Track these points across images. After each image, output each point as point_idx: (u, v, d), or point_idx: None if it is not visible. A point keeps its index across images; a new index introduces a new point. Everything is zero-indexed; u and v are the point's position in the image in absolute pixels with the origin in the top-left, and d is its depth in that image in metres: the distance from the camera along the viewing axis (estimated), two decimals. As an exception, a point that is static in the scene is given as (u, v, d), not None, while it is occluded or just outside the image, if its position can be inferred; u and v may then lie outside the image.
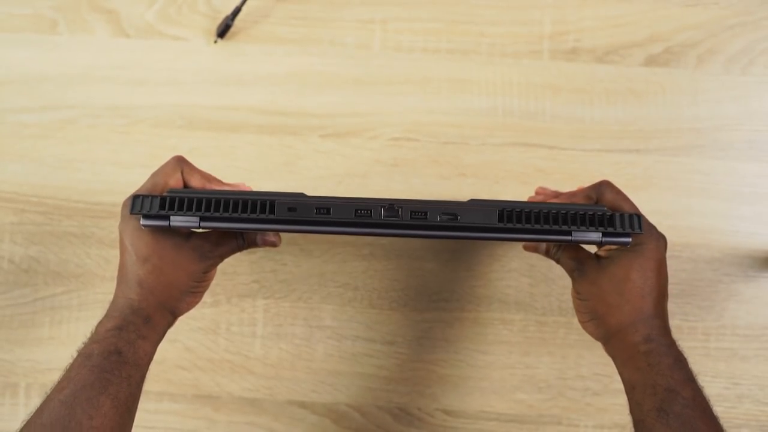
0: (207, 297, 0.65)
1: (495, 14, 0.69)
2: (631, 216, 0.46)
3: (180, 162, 0.51)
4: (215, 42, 0.68)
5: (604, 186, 0.51)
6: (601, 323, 0.50)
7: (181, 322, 0.66)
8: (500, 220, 0.45)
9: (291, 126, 0.67)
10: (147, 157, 0.67)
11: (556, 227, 0.45)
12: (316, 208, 0.45)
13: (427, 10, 0.69)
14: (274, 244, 0.53)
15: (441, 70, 0.68)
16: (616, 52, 0.69)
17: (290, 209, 0.45)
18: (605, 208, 0.46)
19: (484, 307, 0.66)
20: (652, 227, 0.50)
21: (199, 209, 0.45)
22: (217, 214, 0.45)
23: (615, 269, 0.49)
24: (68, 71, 0.68)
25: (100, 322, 0.48)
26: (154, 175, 0.49)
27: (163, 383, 0.65)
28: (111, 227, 0.66)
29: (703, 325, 0.65)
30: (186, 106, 0.67)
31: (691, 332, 0.65)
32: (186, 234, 0.50)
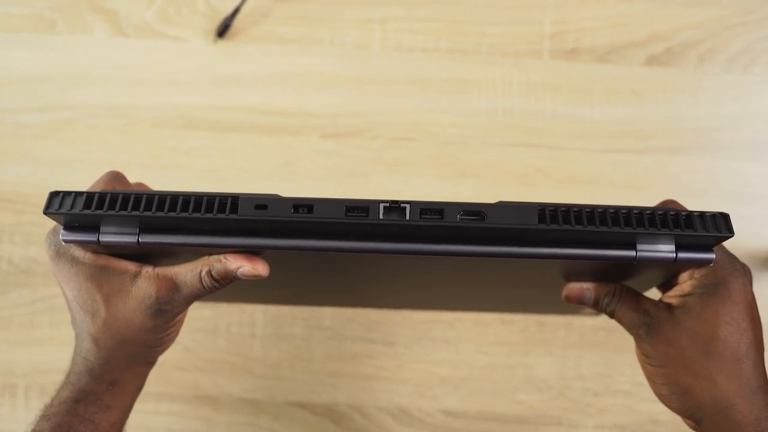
0: (207, 297, 0.65)
1: (495, 14, 0.69)
2: (714, 216, 0.34)
3: (113, 178, 0.42)
4: (214, 42, 0.68)
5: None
6: (689, 398, 0.39)
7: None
8: (542, 220, 0.33)
9: (291, 126, 0.67)
10: (146, 157, 0.67)
11: (616, 229, 0.33)
12: (294, 206, 0.33)
13: (427, 10, 0.69)
14: (258, 275, 0.37)
15: (441, 70, 0.68)
16: (616, 52, 0.68)
17: (259, 207, 0.33)
18: (677, 209, 0.35)
19: (485, 308, 0.66)
20: (734, 258, 0.39)
21: (136, 207, 0.33)
22: (160, 214, 0.33)
23: (696, 323, 0.37)
24: (67, 71, 0.68)
25: (59, 388, 0.40)
26: None
27: (163, 384, 0.64)
28: (110, 228, 0.66)
29: (704, 326, 0.65)
30: (185, 106, 0.67)
31: (692, 332, 0.65)
32: (132, 274, 0.37)
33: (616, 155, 0.67)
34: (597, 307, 0.41)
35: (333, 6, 0.69)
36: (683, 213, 0.34)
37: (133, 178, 0.67)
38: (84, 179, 0.66)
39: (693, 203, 0.66)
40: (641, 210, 0.34)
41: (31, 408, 0.64)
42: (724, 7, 0.69)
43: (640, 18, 0.69)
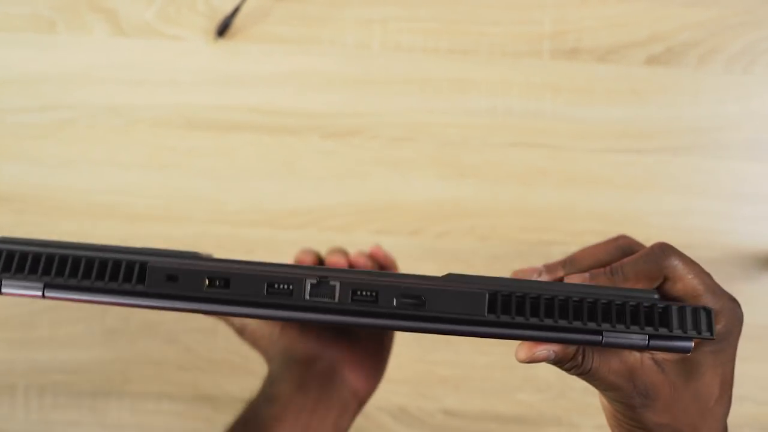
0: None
1: (495, 14, 0.69)
2: (695, 310, 0.30)
3: None
4: (214, 42, 0.68)
5: (667, 254, 0.31)
6: None
7: (181, 322, 0.66)
8: (491, 310, 0.29)
9: (291, 126, 0.67)
10: (146, 157, 0.66)
11: (577, 324, 0.29)
12: (208, 279, 0.30)
13: (427, 9, 0.69)
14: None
15: (441, 70, 0.68)
16: (616, 52, 0.68)
17: (170, 278, 0.30)
18: (656, 296, 0.30)
19: (485, 308, 0.66)
20: (723, 293, 0.33)
21: (34, 270, 0.31)
22: (60, 281, 0.30)
23: (698, 384, 0.32)
24: (67, 71, 0.68)
25: None
26: None
27: (163, 384, 0.64)
28: (110, 227, 0.66)
29: (704, 326, 0.65)
30: (185, 106, 0.67)
31: (692, 333, 0.65)
32: None
33: (616, 155, 0.67)
34: (561, 366, 0.33)
35: (333, 6, 0.69)
36: (659, 306, 0.29)
37: (132, 178, 0.67)
38: (83, 179, 0.67)
39: (694, 203, 0.67)
40: (609, 300, 0.29)
41: (31, 408, 0.64)
42: (725, 7, 0.69)
43: (641, 18, 0.69)
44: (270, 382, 0.44)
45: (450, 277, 0.30)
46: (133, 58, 0.68)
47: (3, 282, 0.31)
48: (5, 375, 0.65)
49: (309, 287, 0.29)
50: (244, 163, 0.67)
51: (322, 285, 0.29)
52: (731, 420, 0.66)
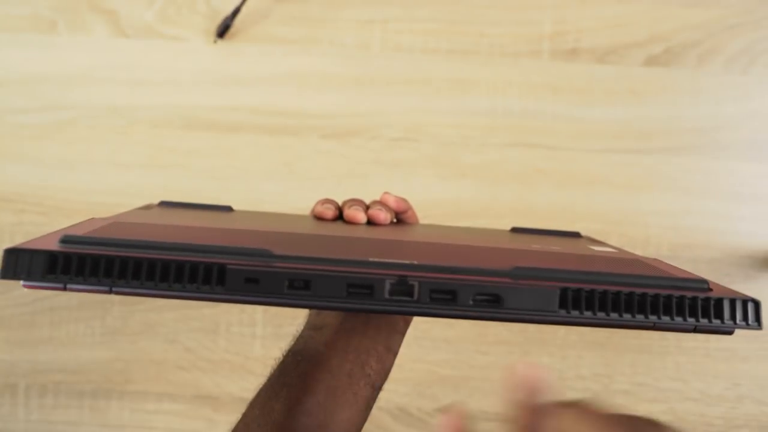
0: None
1: (495, 14, 0.69)
2: (744, 303, 0.32)
3: None
4: (215, 42, 0.68)
5: None
6: None
7: (181, 322, 0.66)
8: (562, 305, 0.31)
9: (290, 126, 0.67)
10: (146, 157, 0.67)
11: (640, 318, 0.31)
12: (289, 281, 0.30)
13: (426, 10, 0.69)
14: None
15: (441, 70, 0.68)
16: (616, 52, 0.68)
17: (249, 281, 0.30)
18: (706, 284, 0.33)
19: (484, 308, 0.66)
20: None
21: (108, 274, 0.30)
22: (136, 284, 0.31)
23: None
24: (67, 72, 0.68)
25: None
26: None
27: (163, 384, 0.65)
28: (110, 228, 0.66)
29: (703, 326, 0.65)
30: (185, 106, 0.67)
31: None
32: None
33: (615, 155, 0.67)
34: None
35: (333, 6, 0.69)
36: (712, 299, 0.32)
37: (133, 178, 0.67)
38: (84, 179, 0.67)
39: (693, 203, 0.67)
40: (669, 292, 0.32)
41: (32, 407, 0.64)
42: (724, 8, 0.69)
43: (640, 18, 0.69)
44: (317, 312, 0.43)
45: (518, 271, 0.32)
46: (134, 59, 0.68)
47: (69, 280, 0.31)
48: (6, 375, 0.65)
49: (388, 287, 0.30)
50: (244, 163, 0.67)
51: (401, 284, 0.30)
52: (730, 419, 0.66)
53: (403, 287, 0.30)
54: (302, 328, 0.43)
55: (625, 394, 0.64)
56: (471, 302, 0.31)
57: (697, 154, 0.67)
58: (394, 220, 0.47)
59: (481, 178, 0.67)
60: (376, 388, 0.41)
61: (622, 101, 0.68)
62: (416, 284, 0.30)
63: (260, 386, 0.41)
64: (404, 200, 0.47)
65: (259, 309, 0.65)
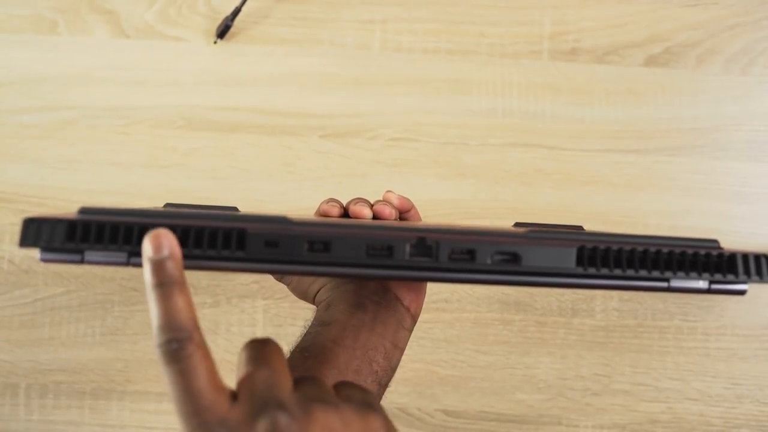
0: (207, 297, 0.65)
1: (495, 14, 0.69)
2: (758, 258, 0.33)
3: None
4: (215, 43, 0.68)
5: None
6: None
7: (181, 322, 0.66)
8: (579, 263, 0.31)
9: (291, 126, 0.67)
10: (147, 157, 0.67)
11: (655, 273, 0.32)
12: (309, 243, 0.30)
13: (426, 10, 0.69)
14: None
15: (441, 71, 0.68)
16: (615, 53, 0.69)
17: (269, 244, 0.30)
18: (717, 243, 0.34)
19: (485, 308, 0.66)
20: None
21: (127, 241, 0.29)
22: None
23: None
24: (68, 72, 0.68)
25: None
26: None
27: (164, 384, 0.65)
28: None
29: (703, 325, 0.65)
30: (186, 106, 0.67)
31: (691, 332, 0.65)
32: None
33: (615, 155, 0.67)
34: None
35: (333, 7, 0.69)
36: (725, 254, 0.32)
37: (133, 178, 0.67)
38: (84, 179, 0.67)
39: (693, 203, 0.67)
40: (682, 249, 0.32)
41: (32, 407, 0.64)
42: (723, 8, 0.69)
43: (640, 19, 0.69)
44: (325, 308, 0.43)
45: (535, 233, 0.32)
46: (134, 59, 0.68)
47: (86, 252, 0.30)
48: (7, 375, 0.65)
49: (408, 248, 0.30)
50: (244, 163, 0.67)
51: (420, 245, 0.30)
52: (730, 419, 0.67)
53: (422, 248, 0.30)
54: (310, 324, 0.43)
55: (625, 394, 0.65)
56: (490, 261, 0.31)
57: (697, 154, 0.67)
58: (398, 219, 0.47)
59: (481, 178, 0.67)
60: (383, 385, 0.41)
61: (621, 101, 0.68)
62: (435, 245, 0.30)
63: None
64: (407, 199, 0.47)
65: (259, 309, 0.66)
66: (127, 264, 0.30)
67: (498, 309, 0.66)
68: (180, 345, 0.27)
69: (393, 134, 0.67)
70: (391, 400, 0.65)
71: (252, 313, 0.66)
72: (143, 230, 0.29)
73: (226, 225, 0.30)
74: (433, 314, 0.66)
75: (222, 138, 0.67)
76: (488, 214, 0.67)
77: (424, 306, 0.65)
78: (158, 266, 0.28)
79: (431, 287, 0.66)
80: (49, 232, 0.30)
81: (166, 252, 0.28)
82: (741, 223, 0.66)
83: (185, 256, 0.29)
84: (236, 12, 0.67)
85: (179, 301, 0.27)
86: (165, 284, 0.27)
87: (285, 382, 0.28)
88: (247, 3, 0.68)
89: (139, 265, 0.30)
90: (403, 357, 0.67)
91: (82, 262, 0.30)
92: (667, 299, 0.65)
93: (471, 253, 0.31)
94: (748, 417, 0.65)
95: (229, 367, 0.68)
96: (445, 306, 0.66)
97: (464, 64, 0.68)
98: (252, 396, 0.27)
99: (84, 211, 0.31)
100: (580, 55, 0.69)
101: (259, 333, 0.65)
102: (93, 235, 0.29)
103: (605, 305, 0.65)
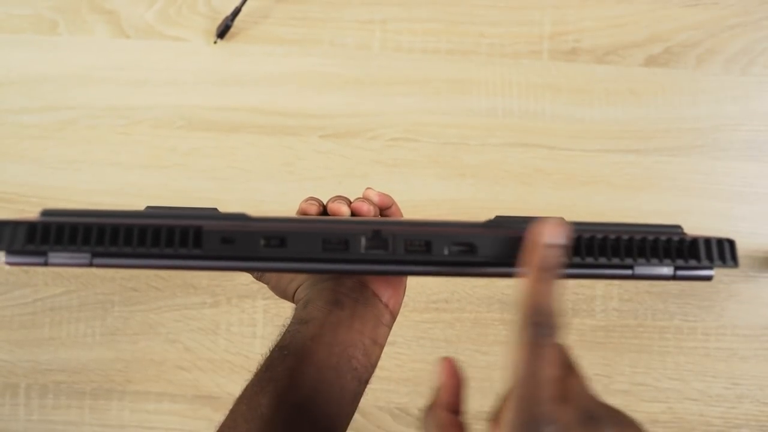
0: (207, 297, 0.65)
1: (495, 14, 0.69)
2: (720, 242, 0.32)
3: None
4: (215, 43, 0.68)
5: None
6: None
7: (181, 322, 0.66)
8: None
9: (291, 126, 0.67)
10: (147, 157, 0.67)
11: (616, 261, 0.31)
12: (264, 239, 0.30)
13: (426, 10, 0.69)
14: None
15: (441, 71, 0.68)
16: (615, 53, 0.69)
17: (225, 241, 0.30)
18: (681, 229, 0.33)
19: (485, 308, 0.66)
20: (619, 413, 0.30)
21: (87, 242, 0.30)
22: (114, 249, 0.29)
23: None
24: (68, 72, 0.68)
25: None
26: None
27: (163, 384, 0.65)
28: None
29: (703, 325, 0.65)
30: (186, 106, 0.67)
31: (691, 332, 0.65)
32: None
33: (615, 155, 0.67)
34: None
35: (333, 7, 0.69)
36: (687, 240, 0.31)
37: (133, 178, 0.67)
38: (84, 180, 0.67)
39: (693, 203, 0.67)
40: (643, 236, 0.31)
41: (32, 407, 0.64)
42: (723, 8, 0.69)
43: (640, 19, 0.69)
44: (303, 306, 0.43)
45: (497, 221, 0.32)
46: (134, 59, 0.68)
47: (50, 255, 0.30)
48: (7, 375, 0.65)
49: (364, 241, 0.30)
50: (244, 163, 0.67)
51: (376, 238, 0.31)
52: (730, 419, 0.67)
53: (378, 241, 0.30)
54: (289, 322, 0.43)
55: (625, 394, 0.65)
56: (447, 252, 0.31)
57: (697, 154, 0.67)
58: (378, 216, 0.47)
59: (481, 178, 0.67)
60: (363, 382, 0.41)
61: (621, 101, 0.68)
62: (391, 237, 0.31)
63: (247, 381, 0.41)
64: (388, 196, 0.46)
65: (260, 309, 0.66)
66: (90, 265, 0.30)
67: (498, 309, 0.66)
68: (549, 331, 0.28)
69: (393, 134, 0.67)
70: (390, 400, 0.65)
71: (252, 313, 0.66)
72: (102, 231, 0.30)
73: (183, 223, 0.30)
74: (433, 314, 0.66)
75: (222, 138, 0.67)
76: (488, 214, 0.66)
77: (423, 306, 0.65)
78: (553, 252, 0.29)
79: (431, 287, 0.66)
80: (10, 235, 0.30)
81: (563, 240, 0.29)
82: (741, 223, 0.66)
83: (143, 255, 0.30)
84: (236, 12, 0.67)
85: (556, 290, 0.28)
86: (550, 269, 0.28)
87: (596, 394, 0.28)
88: (247, 3, 0.68)
89: (103, 265, 0.30)
90: (403, 357, 0.67)
91: (46, 264, 0.30)
92: (667, 299, 0.65)
93: (427, 245, 0.31)
94: (748, 417, 0.65)
95: (229, 367, 0.68)
96: (445, 306, 0.66)
97: (464, 64, 0.68)
98: (578, 405, 0.27)
99: (46, 213, 0.31)
100: (580, 55, 0.69)
101: (259, 333, 0.65)
102: (53, 237, 0.30)
103: (605, 305, 0.65)
